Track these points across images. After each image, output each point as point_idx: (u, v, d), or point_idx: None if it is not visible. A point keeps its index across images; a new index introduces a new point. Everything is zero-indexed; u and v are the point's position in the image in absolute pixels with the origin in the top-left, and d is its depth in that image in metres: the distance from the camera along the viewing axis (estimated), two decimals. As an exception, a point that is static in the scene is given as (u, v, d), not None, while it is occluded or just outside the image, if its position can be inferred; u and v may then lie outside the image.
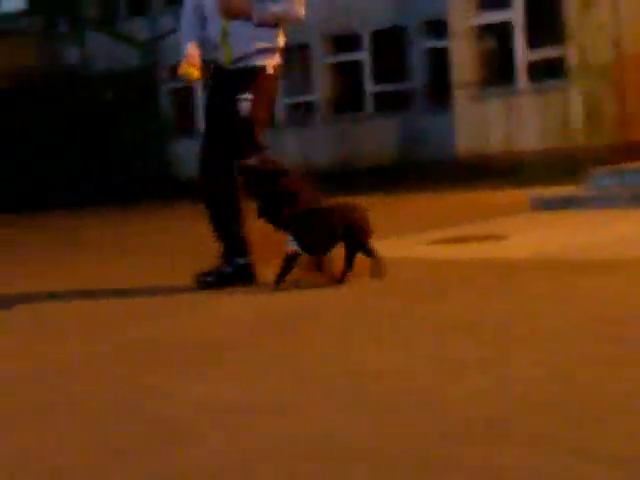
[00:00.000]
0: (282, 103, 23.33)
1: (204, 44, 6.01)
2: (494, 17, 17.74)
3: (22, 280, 7.21)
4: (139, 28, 25.42)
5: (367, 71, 21.54)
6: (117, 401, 3.27)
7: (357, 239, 5.46)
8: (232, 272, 5.86)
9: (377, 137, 20.93)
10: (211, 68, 6.10)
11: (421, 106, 20.42)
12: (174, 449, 2.67)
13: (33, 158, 23.90)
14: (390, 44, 20.84)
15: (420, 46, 20.40)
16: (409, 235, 8.00)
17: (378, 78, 21.32)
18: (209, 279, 5.81)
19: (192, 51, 5.92)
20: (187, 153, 24.80)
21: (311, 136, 22.46)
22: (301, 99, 23.04)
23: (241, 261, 5.88)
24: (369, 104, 21.46)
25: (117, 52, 25.51)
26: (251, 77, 5.85)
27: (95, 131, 24.42)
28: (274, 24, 5.87)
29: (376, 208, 12.13)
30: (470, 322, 4.14)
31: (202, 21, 5.99)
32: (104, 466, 2.60)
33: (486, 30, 18.04)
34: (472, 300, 4.77)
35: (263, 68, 5.88)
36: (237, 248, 5.90)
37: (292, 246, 5.46)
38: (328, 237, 5.48)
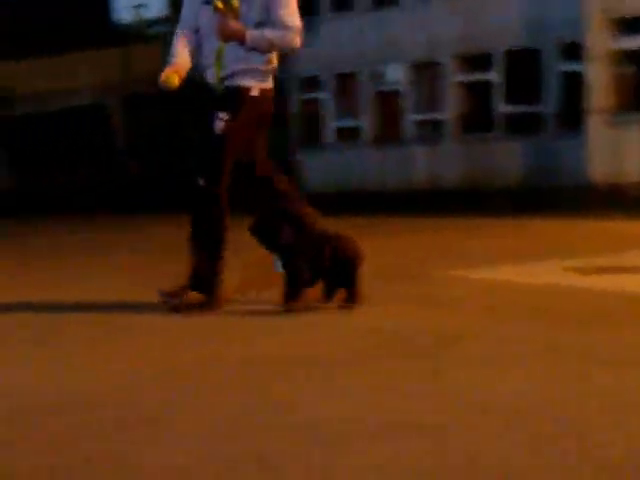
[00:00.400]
0: (411, 119, 23.34)
1: (197, 66, 5.94)
2: (633, 42, 17.43)
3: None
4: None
5: (498, 91, 21.37)
6: (248, 412, 3.30)
7: (346, 275, 5.44)
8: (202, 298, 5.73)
9: (506, 158, 20.74)
10: (204, 88, 5.97)
11: (552, 129, 20.16)
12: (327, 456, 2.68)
13: (171, 161, 24.40)
14: (523, 65, 20.64)
15: (554, 68, 20.15)
16: (544, 261, 7.89)
17: (509, 99, 21.13)
18: (174, 301, 5.67)
19: (180, 60, 5.82)
20: (313, 164, 25.03)
21: (440, 154, 22.38)
22: (430, 116, 22.98)
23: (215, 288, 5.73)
24: (499, 125, 21.29)
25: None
26: (233, 97, 5.73)
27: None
28: (268, 51, 5.74)
29: (506, 231, 12.12)
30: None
31: (196, 42, 5.90)
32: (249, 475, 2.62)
33: (624, 55, 17.74)
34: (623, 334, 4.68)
35: (247, 89, 5.74)
36: (206, 280, 5.72)
37: (279, 270, 5.44)
38: (315, 270, 5.41)
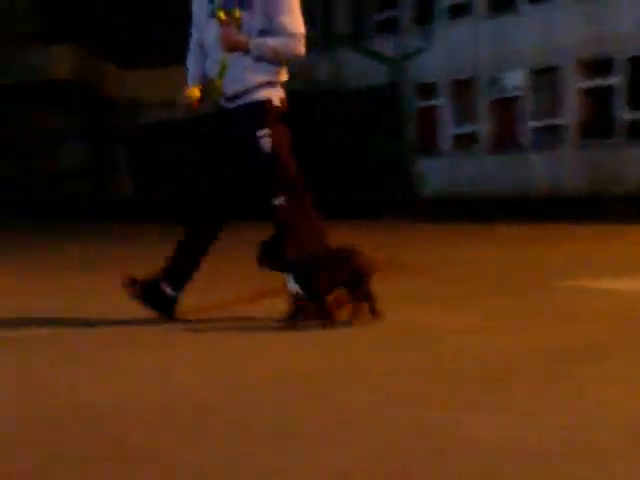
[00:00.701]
0: (530, 126, 23.02)
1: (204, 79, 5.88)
2: None
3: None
4: (387, 45, 25.70)
5: (620, 97, 20.93)
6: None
7: (362, 287, 5.35)
8: (158, 297, 5.71)
9: (627, 165, 20.30)
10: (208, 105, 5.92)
11: (676, 136, 19.67)
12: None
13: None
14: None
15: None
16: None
17: (632, 105, 20.67)
18: (137, 289, 5.68)
19: (195, 84, 5.83)
20: (430, 172, 24.90)
21: (559, 160, 22.02)
22: (549, 122, 22.64)
23: (172, 292, 5.72)
24: (620, 131, 20.84)
25: (367, 69, 25.88)
26: (261, 112, 5.65)
27: (342, 147, 24.85)
28: (273, 59, 5.66)
29: (632, 238, 11.80)
30: None
31: (204, 58, 5.86)
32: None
33: None
34: None
35: (270, 101, 5.68)
36: (180, 278, 5.74)
37: (293, 287, 5.34)
38: (330, 283, 5.34)
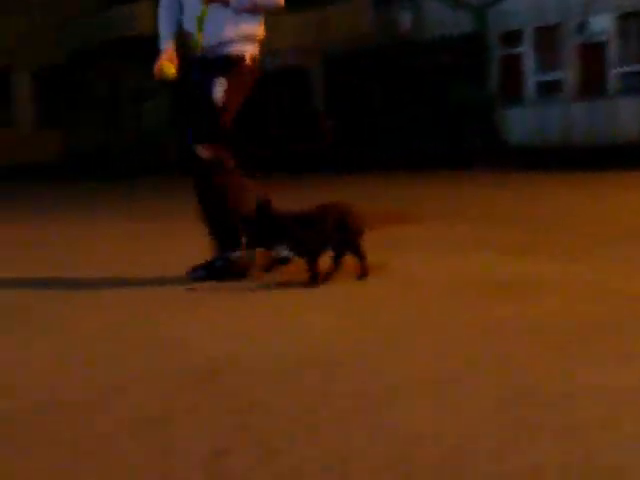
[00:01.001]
0: (617, 72, 22.61)
1: (180, 34, 5.77)
2: None
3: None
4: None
5: None
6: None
7: (349, 240, 5.29)
8: (223, 266, 5.60)
9: None
10: (185, 56, 5.75)
11: None
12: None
13: (364, 120, 24.60)
14: None
15: None
16: None
17: None
18: (200, 273, 5.57)
19: (169, 47, 5.71)
20: (514, 121, 24.64)
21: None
22: (638, 68, 22.22)
23: (232, 255, 5.64)
24: None
25: (449, 18, 25.61)
26: (228, 64, 5.56)
27: (426, 97, 24.72)
28: (252, 11, 5.57)
29: None
30: None
31: (178, 13, 5.76)
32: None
33: None
34: None
35: (242, 57, 5.59)
36: (228, 241, 5.65)
37: (283, 253, 5.31)
38: (321, 239, 5.26)
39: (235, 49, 5.61)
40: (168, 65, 5.65)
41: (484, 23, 25.15)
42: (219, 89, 5.54)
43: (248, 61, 5.63)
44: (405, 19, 26.81)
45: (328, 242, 5.32)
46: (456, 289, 4.99)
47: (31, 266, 6.70)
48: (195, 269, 5.63)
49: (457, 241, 7.10)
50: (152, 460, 2.58)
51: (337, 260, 5.38)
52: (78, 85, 35.85)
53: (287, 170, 20.36)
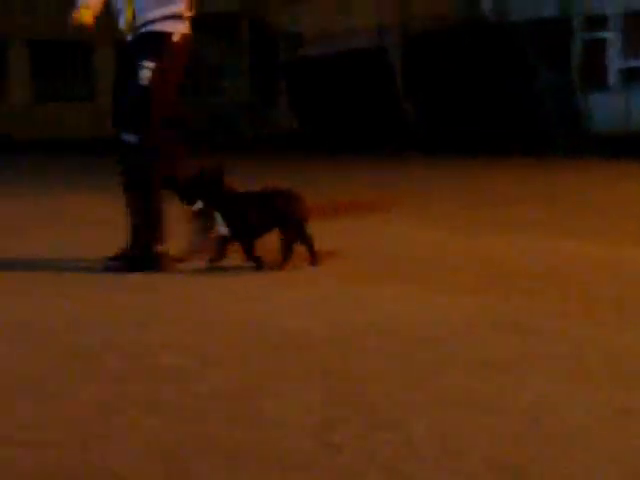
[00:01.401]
0: None
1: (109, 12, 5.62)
2: None
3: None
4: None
5: None
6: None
7: (296, 228, 5.21)
8: (141, 257, 5.43)
9: None
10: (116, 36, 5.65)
11: None
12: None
13: (444, 102, 24.46)
14: None
15: None
16: None
17: None
18: (115, 263, 5.39)
19: (91, 1, 5.55)
20: (598, 106, 24.23)
21: None
22: None
23: (153, 247, 5.48)
24: None
25: (532, 2, 25.25)
26: (155, 43, 5.41)
27: (507, 80, 24.44)
28: None
29: None
30: None
31: None
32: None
33: None
34: None
35: (169, 34, 5.43)
36: (148, 232, 5.49)
37: (221, 230, 5.22)
38: (261, 224, 5.21)
39: (161, 27, 5.48)
40: (85, 12, 5.53)
41: (570, 7, 24.75)
42: (145, 71, 5.40)
43: (177, 38, 5.50)
44: (486, 1, 26.50)
45: (264, 227, 5.28)
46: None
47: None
48: (112, 259, 5.45)
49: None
50: (263, 430, 2.54)
51: (286, 247, 5.29)
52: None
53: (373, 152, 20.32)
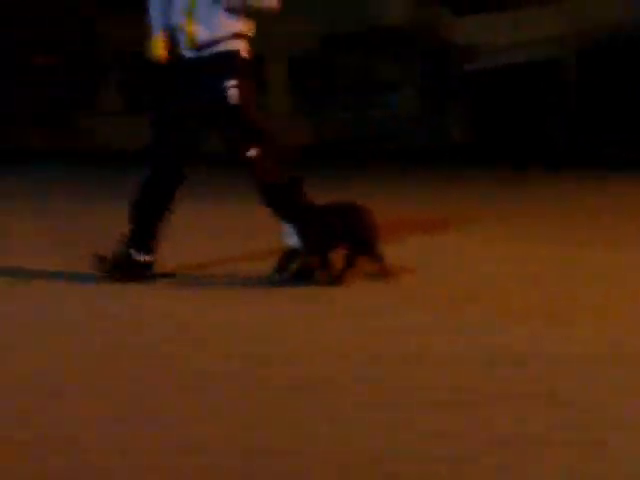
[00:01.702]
0: None
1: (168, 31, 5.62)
2: None
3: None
4: None
5: None
6: None
7: (362, 243, 5.08)
8: (131, 265, 5.57)
9: None
10: (172, 55, 5.64)
11: None
12: None
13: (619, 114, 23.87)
14: None
15: None
16: None
17: None
18: (106, 266, 5.55)
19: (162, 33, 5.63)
20: None
21: None
22: None
23: (144, 258, 5.60)
24: None
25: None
26: (231, 62, 5.47)
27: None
28: (243, 9, 5.42)
29: None
30: None
31: (167, 5, 5.62)
32: None
33: None
34: None
35: (239, 52, 5.50)
36: (147, 243, 5.60)
37: (292, 241, 5.13)
38: (329, 238, 5.08)
39: (231, 46, 5.58)
40: (159, 43, 5.66)
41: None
42: (232, 91, 5.51)
43: (245, 55, 5.62)
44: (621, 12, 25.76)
45: (336, 240, 5.20)
46: None
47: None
48: (101, 259, 5.64)
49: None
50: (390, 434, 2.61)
51: (350, 260, 5.24)
52: (329, 71, 36.45)
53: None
